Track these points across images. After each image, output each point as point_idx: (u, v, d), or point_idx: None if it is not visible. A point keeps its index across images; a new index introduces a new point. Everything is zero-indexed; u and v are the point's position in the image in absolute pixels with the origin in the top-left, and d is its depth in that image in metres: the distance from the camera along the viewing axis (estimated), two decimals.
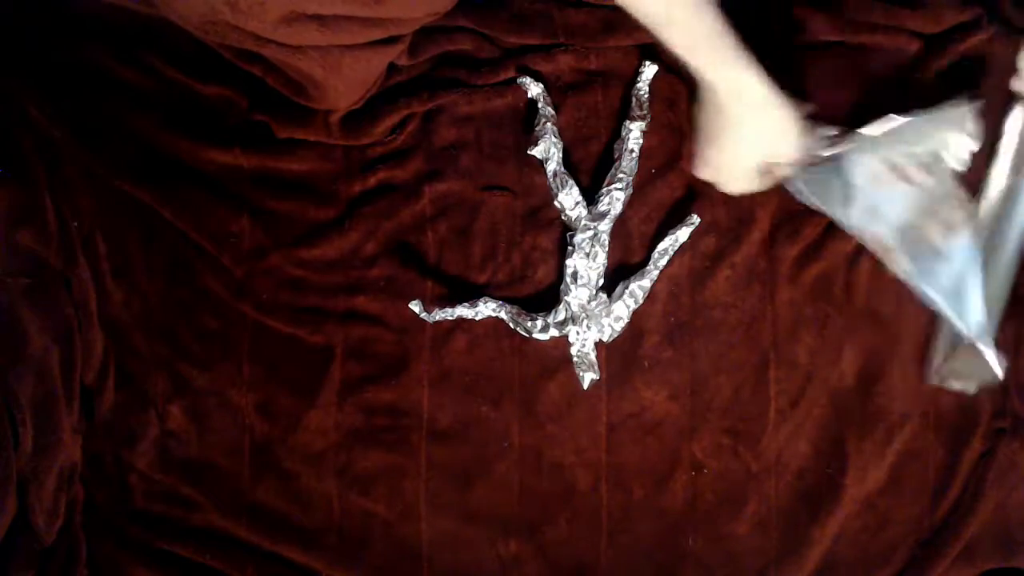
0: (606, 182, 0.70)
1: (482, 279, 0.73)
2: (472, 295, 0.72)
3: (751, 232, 0.72)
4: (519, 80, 0.72)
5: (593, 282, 0.69)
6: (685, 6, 0.58)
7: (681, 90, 0.72)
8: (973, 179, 0.71)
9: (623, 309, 0.69)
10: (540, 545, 0.73)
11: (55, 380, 0.71)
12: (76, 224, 0.73)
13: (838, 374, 0.72)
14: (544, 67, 0.73)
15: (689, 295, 0.72)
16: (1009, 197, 0.70)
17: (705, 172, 0.68)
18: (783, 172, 0.67)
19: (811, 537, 0.71)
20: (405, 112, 0.72)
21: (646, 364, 0.72)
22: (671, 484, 0.72)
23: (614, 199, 0.69)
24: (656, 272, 0.70)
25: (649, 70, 0.71)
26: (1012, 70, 0.72)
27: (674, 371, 0.72)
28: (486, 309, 0.70)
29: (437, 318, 0.70)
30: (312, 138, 0.72)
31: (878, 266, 0.72)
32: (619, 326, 0.70)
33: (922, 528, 0.72)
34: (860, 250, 0.72)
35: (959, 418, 0.72)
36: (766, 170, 0.67)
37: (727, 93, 0.62)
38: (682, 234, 0.69)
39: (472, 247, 0.73)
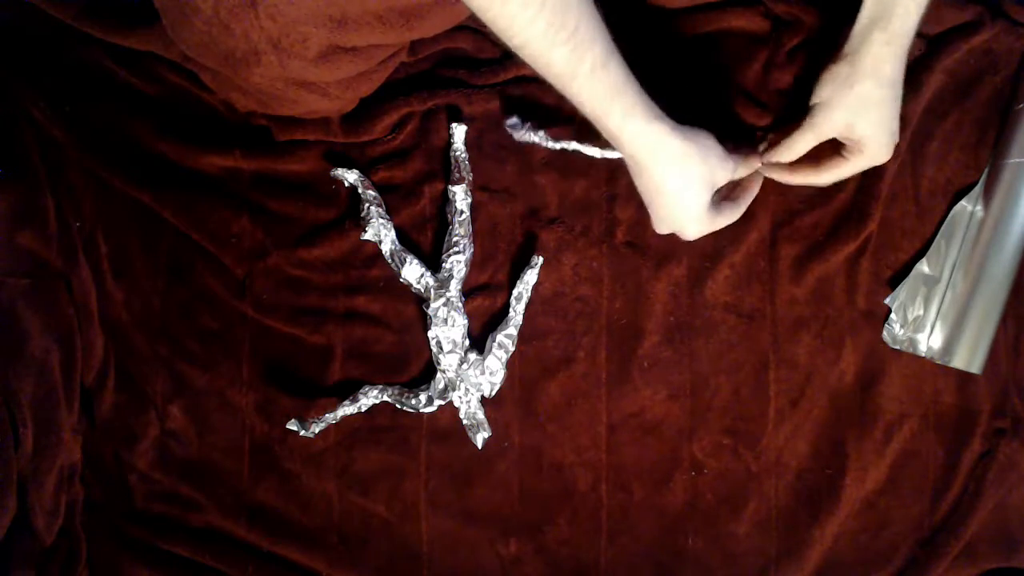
0: (444, 249, 0.71)
1: (482, 279, 0.73)
2: (471, 296, 0.72)
3: (751, 232, 0.72)
4: (332, 173, 0.72)
5: (460, 344, 0.70)
6: (587, 60, 0.52)
7: None
8: (977, 176, 0.72)
9: (496, 362, 0.70)
10: (540, 545, 0.72)
11: (55, 380, 0.71)
12: (77, 225, 0.73)
13: (838, 374, 0.72)
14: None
15: (688, 295, 0.72)
16: (1011, 193, 0.69)
17: (663, 229, 0.64)
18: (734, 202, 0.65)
19: (811, 537, 0.71)
20: (405, 110, 0.72)
21: (645, 364, 0.72)
22: (671, 484, 0.72)
23: (455, 263, 0.70)
24: (519, 318, 0.71)
25: (459, 131, 0.72)
26: (1018, 65, 0.71)
27: (674, 371, 0.72)
28: (368, 399, 0.71)
29: (317, 430, 0.71)
30: (312, 138, 0.73)
31: (878, 266, 0.72)
32: (497, 379, 0.71)
33: (922, 528, 0.72)
34: (860, 250, 0.72)
35: (959, 418, 0.72)
36: (721, 206, 0.64)
37: (641, 155, 0.58)
38: (531, 276, 0.70)
39: (472, 247, 0.73)
